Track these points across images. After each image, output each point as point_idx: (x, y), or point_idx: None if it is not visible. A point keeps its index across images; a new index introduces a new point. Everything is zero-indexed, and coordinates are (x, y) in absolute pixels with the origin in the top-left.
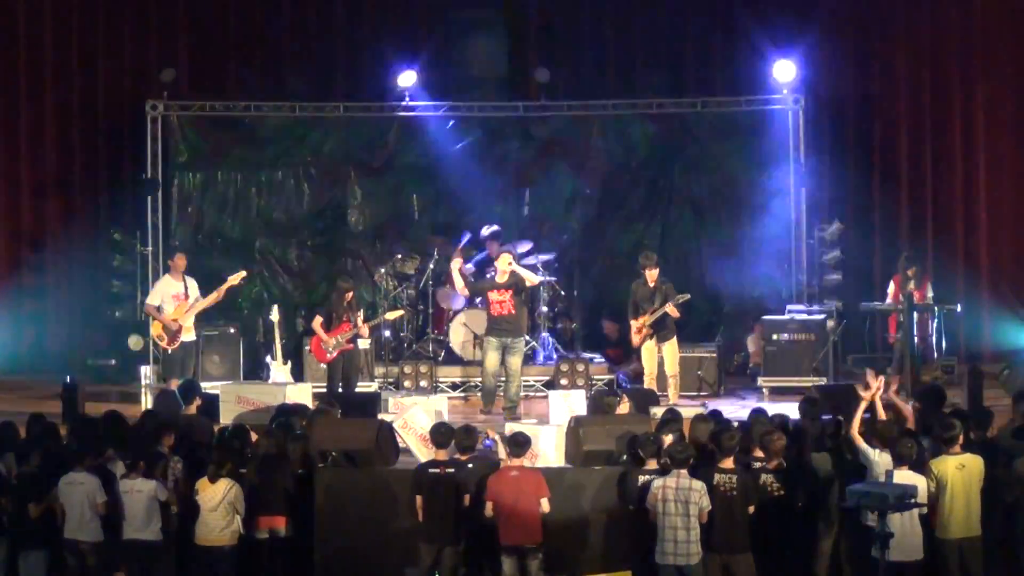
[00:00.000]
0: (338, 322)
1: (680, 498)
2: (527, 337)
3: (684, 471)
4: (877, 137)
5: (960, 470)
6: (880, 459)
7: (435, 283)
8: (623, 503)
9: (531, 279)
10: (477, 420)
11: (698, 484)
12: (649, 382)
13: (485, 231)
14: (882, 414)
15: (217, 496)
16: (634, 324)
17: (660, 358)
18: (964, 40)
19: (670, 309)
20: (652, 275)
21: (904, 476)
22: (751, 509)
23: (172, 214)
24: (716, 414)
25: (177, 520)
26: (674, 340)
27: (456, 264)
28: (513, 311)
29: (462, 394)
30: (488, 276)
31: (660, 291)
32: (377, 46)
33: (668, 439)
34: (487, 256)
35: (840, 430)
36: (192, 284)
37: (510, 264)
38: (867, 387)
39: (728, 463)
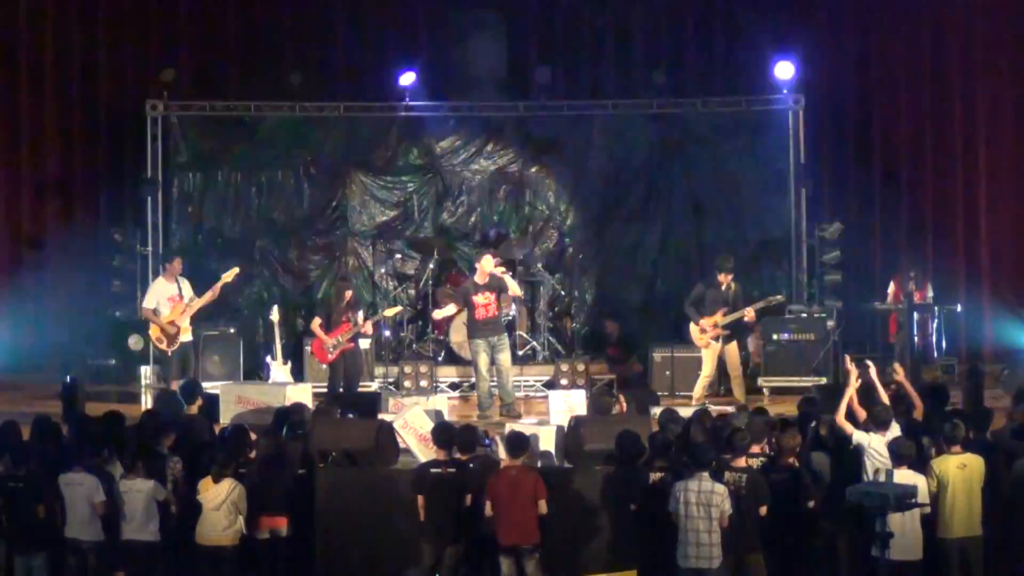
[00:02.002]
0: (337, 322)
1: (702, 501)
2: (527, 336)
3: (706, 474)
4: (877, 137)
5: (961, 469)
6: (872, 439)
7: (435, 283)
8: (627, 502)
9: (514, 290)
10: (476, 420)
11: (720, 488)
12: (706, 383)
13: (492, 232)
14: (885, 398)
15: (220, 496)
16: (704, 322)
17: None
18: (964, 40)
19: (749, 313)
20: (726, 278)
21: (904, 475)
22: (763, 510)
23: (172, 214)
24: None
25: (177, 520)
26: (735, 342)
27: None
28: (497, 313)
29: (462, 394)
30: (470, 280)
31: (734, 294)
32: (377, 46)
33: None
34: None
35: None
36: (186, 285)
37: (501, 271)
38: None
39: (741, 462)
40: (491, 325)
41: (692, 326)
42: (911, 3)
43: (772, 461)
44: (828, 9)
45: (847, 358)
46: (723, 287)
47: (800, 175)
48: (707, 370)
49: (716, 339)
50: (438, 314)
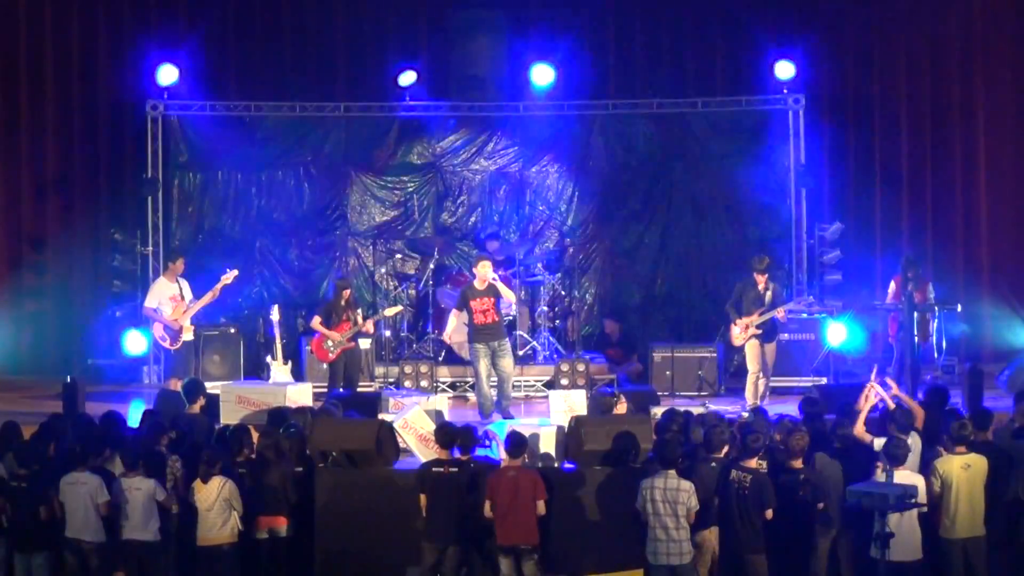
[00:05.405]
0: (337, 321)
1: (668, 498)
2: (527, 337)
3: (672, 472)
4: (877, 137)
5: (965, 470)
6: (913, 443)
7: (435, 283)
8: (627, 502)
9: (507, 296)
10: (476, 420)
11: (686, 484)
12: (753, 380)
13: (489, 234)
14: (892, 405)
15: (212, 495)
16: (740, 322)
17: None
18: (964, 40)
19: (780, 313)
20: (762, 278)
21: (903, 476)
22: (769, 514)
23: (172, 214)
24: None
25: (176, 520)
26: (775, 342)
27: (454, 318)
28: (496, 318)
29: (462, 394)
30: (469, 284)
31: (771, 292)
32: (377, 46)
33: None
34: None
35: (840, 430)
36: (185, 286)
37: (493, 279)
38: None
39: (752, 463)
40: (491, 330)
41: (732, 326)
42: (911, 3)
43: (781, 462)
44: (828, 9)
45: (872, 372)
46: (759, 287)
47: (800, 175)
48: (752, 367)
49: (756, 338)
50: (448, 334)
